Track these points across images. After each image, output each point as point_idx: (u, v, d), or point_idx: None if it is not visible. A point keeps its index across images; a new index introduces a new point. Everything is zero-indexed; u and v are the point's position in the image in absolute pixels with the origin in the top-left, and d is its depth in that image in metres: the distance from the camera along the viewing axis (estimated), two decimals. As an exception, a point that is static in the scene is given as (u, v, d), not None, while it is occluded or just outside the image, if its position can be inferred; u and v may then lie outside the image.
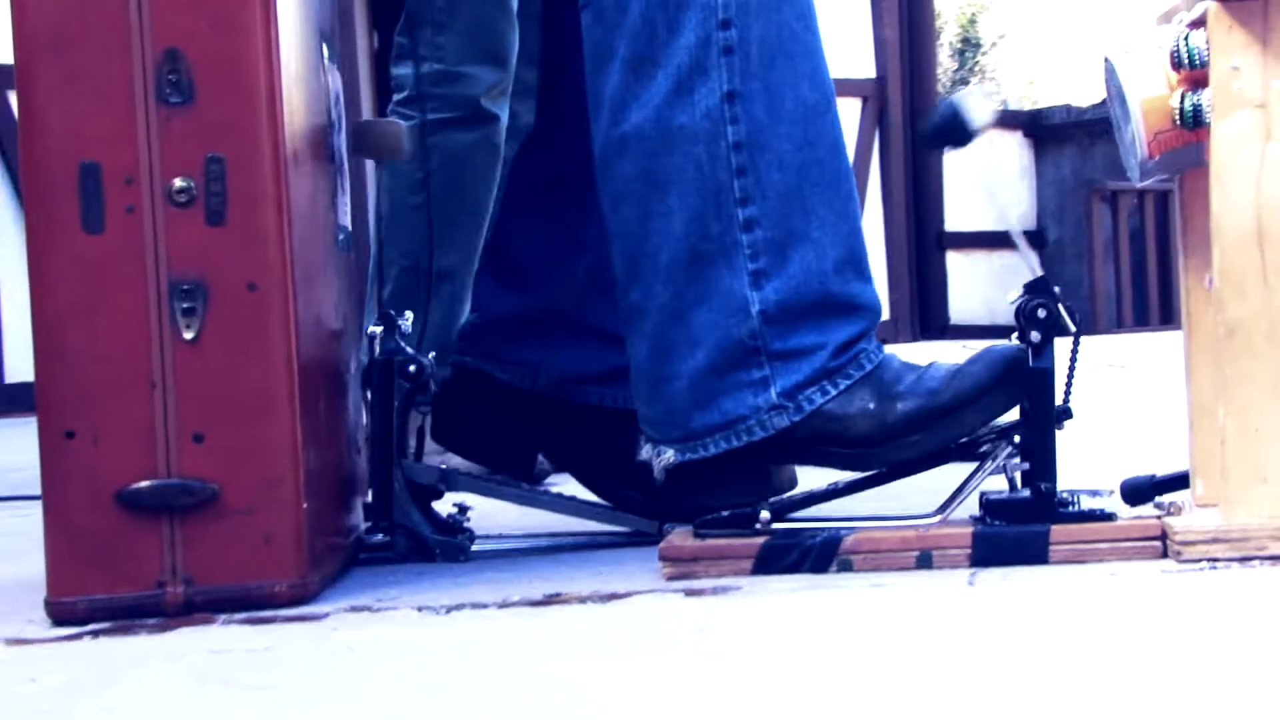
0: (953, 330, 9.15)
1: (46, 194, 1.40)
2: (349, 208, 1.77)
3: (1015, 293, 1.59)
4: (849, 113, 8.17)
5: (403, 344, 1.73)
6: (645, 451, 1.61)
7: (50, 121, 1.40)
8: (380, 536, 1.72)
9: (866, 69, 8.23)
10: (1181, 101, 1.48)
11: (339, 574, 1.63)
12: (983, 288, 9.31)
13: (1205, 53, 1.45)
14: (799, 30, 1.56)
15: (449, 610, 1.41)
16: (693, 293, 1.56)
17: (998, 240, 9.23)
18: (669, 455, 1.58)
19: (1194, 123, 1.47)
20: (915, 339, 8.33)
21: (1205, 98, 1.46)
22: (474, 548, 1.74)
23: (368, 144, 1.74)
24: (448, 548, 1.70)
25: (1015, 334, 1.58)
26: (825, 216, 1.58)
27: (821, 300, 1.59)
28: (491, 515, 1.90)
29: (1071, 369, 1.58)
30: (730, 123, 1.53)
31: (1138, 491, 1.70)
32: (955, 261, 9.21)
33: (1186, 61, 1.47)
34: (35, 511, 1.46)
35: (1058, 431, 1.54)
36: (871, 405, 1.57)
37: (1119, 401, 3.64)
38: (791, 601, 1.39)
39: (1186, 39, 1.47)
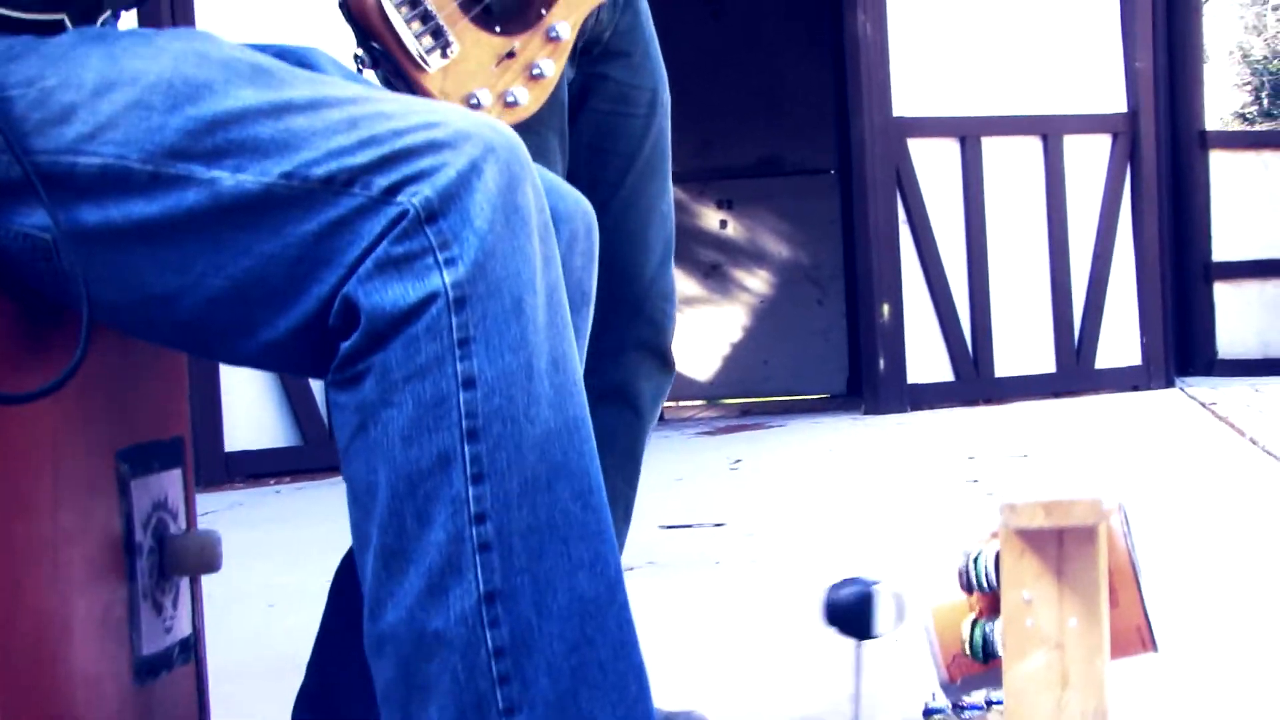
0: (1221, 365, 8.68)
1: None
2: (178, 620, 1.67)
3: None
4: (1099, 149, 7.79)
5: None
6: None
7: None
8: None
9: (1117, 103, 7.80)
10: (971, 629, 1.27)
11: None
12: (1255, 319, 8.80)
13: (995, 576, 1.25)
14: (575, 511, 1.38)
15: None
16: None
17: (1271, 268, 8.72)
18: None
19: (984, 656, 1.27)
20: (1170, 383, 7.90)
21: (997, 628, 1.26)
22: None
23: (177, 564, 1.64)
24: None
25: None
26: None
27: None
28: None
29: None
30: (490, 626, 1.35)
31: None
32: (1224, 293, 8.72)
33: (975, 584, 1.27)
34: None
35: None
36: None
37: None
38: None
39: (976, 557, 1.26)
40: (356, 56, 2.27)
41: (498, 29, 2.29)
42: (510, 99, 2.29)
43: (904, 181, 7.46)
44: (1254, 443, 5.53)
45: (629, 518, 2.72)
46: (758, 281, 9.58)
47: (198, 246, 1.37)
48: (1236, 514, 4.08)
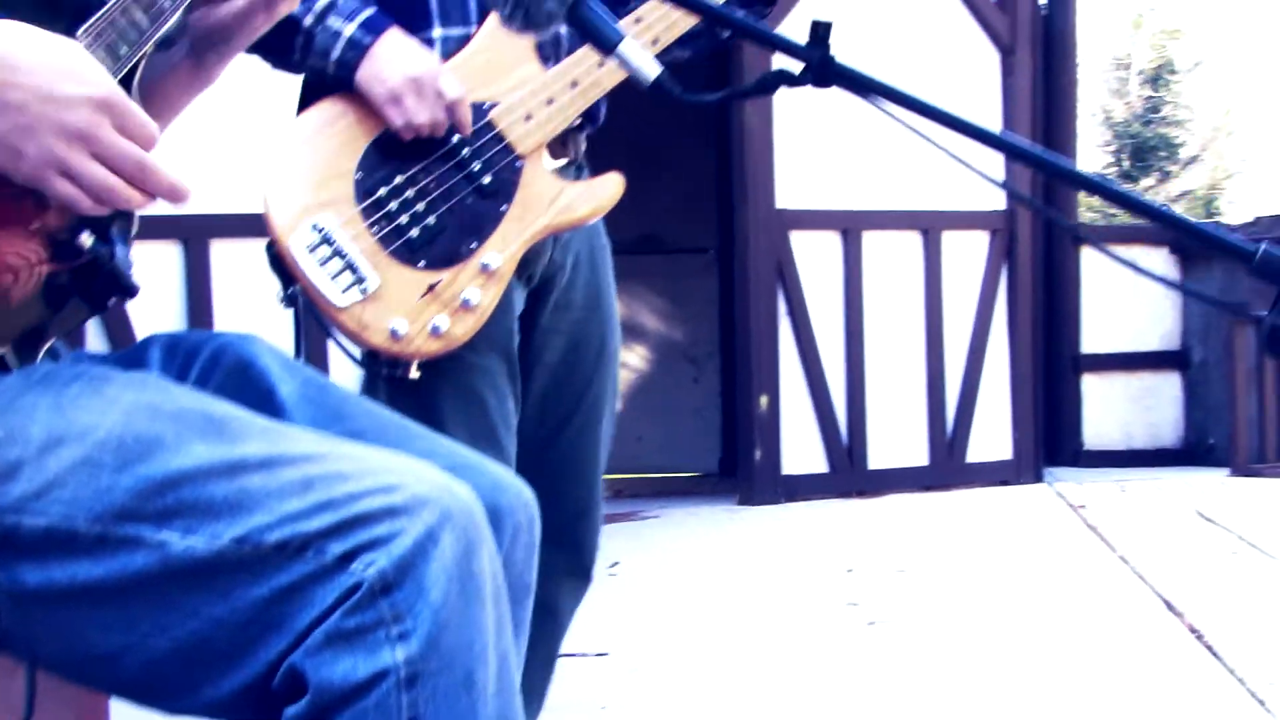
0: (1087, 456, 8.84)
1: None
2: None
3: None
4: (977, 245, 7.91)
5: None
6: None
7: None
8: None
9: (996, 201, 7.93)
10: None
11: None
12: (1120, 411, 8.98)
13: None
14: None
15: None
16: None
17: (1136, 361, 8.90)
18: None
19: None
20: (1038, 478, 8.03)
21: None
22: None
23: None
24: None
25: None
26: None
27: None
28: None
29: None
30: None
31: None
32: (1091, 385, 8.89)
33: None
34: None
35: None
36: None
37: None
38: None
39: None
40: (279, 298, 2.28)
41: (421, 263, 2.31)
42: (433, 328, 2.29)
43: (785, 273, 7.52)
44: (1124, 561, 5.62)
45: (543, 702, 2.76)
46: (634, 358, 9.61)
47: (143, 609, 1.34)
48: (1113, 650, 4.14)
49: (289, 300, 2.30)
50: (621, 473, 9.34)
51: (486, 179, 2.37)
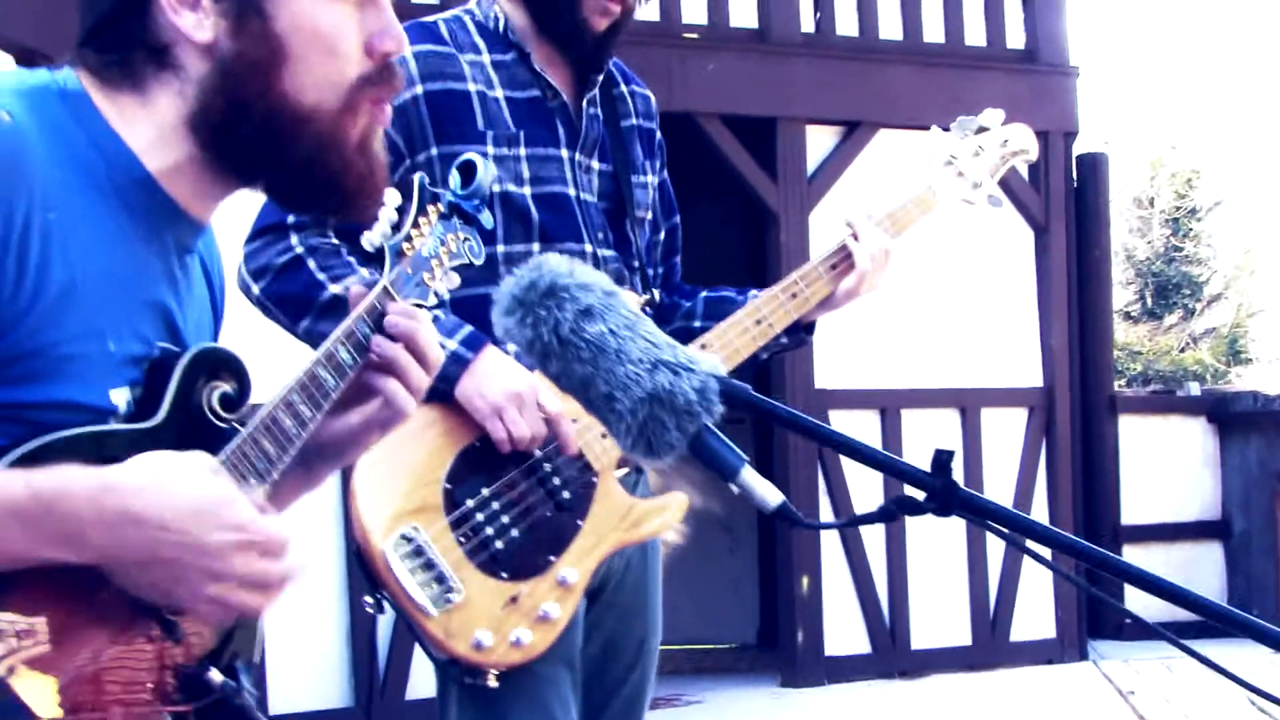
0: (1130, 629, 8.76)
1: None
2: None
3: None
4: (1015, 421, 7.91)
5: None
6: None
7: None
8: None
9: (1033, 378, 7.95)
10: None
11: None
12: (1162, 582, 8.89)
13: None
14: None
15: None
16: None
17: (1178, 532, 8.85)
18: None
19: None
20: (1083, 655, 7.96)
21: None
22: None
23: None
24: None
25: None
26: None
27: None
28: None
29: None
30: None
31: None
32: (1132, 556, 8.82)
33: None
34: None
35: None
36: None
37: None
38: None
39: None
40: (367, 603, 2.35)
41: (504, 575, 2.40)
42: (514, 639, 2.38)
43: (824, 452, 7.50)
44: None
45: None
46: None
47: None
48: None
49: (376, 605, 2.35)
50: (659, 645, 9.28)
51: (565, 494, 2.48)
